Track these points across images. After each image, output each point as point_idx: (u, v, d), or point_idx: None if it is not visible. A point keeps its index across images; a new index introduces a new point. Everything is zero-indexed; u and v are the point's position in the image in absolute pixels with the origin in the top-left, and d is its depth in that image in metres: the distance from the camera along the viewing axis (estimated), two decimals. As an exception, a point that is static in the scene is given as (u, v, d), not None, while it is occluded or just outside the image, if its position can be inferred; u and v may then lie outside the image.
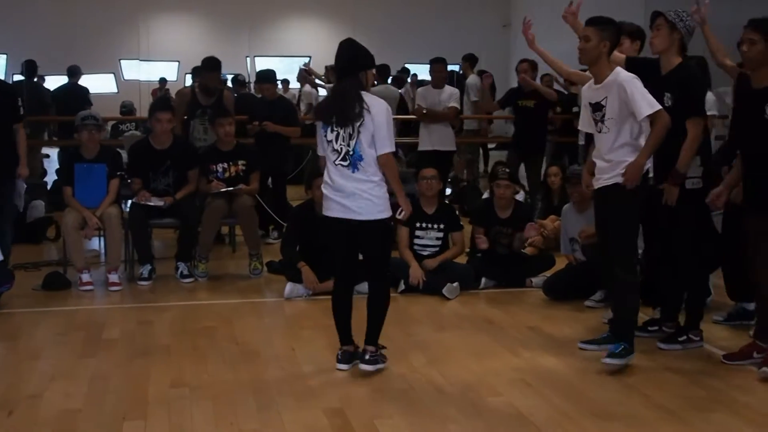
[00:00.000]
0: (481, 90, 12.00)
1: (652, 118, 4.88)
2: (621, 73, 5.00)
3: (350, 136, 4.75)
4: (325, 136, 4.82)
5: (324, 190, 4.90)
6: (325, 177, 4.89)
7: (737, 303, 5.99)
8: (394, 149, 4.81)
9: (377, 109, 4.73)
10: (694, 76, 5.21)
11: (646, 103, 4.87)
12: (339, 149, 4.78)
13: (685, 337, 5.41)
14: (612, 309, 5.46)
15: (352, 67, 4.81)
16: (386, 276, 5.09)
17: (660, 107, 4.89)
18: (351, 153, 4.76)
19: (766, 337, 4.98)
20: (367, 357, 4.91)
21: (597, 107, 5.06)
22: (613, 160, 5.01)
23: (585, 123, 5.27)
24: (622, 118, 4.95)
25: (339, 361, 5.01)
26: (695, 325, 5.47)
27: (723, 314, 6.02)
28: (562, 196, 8.38)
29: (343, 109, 4.74)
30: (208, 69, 8.55)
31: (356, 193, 4.78)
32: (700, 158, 5.20)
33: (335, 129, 4.77)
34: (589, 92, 5.18)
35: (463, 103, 11.44)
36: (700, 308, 5.56)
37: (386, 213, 4.85)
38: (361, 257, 5.03)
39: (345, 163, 4.78)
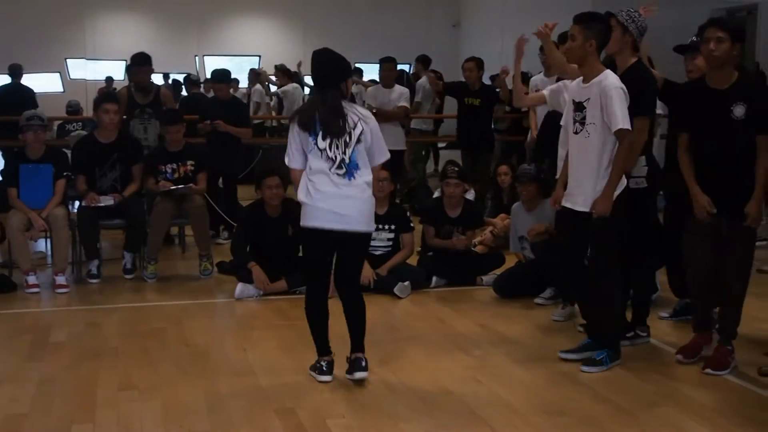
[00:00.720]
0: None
1: (620, 135, 4.79)
2: (609, 77, 4.90)
3: (346, 144, 4.62)
4: (316, 144, 4.61)
5: (306, 200, 4.66)
6: (309, 187, 4.65)
7: (682, 299, 6.09)
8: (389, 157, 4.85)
9: (373, 121, 4.72)
10: (644, 77, 5.18)
11: (621, 117, 4.77)
12: (333, 157, 4.61)
13: (632, 333, 5.49)
14: (583, 315, 5.43)
15: (335, 77, 4.69)
16: (359, 282, 5.04)
17: (629, 127, 4.78)
18: (347, 161, 4.63)
19: (728, 338, 5.03)
20: (363, 364, 4.75)
21: (579, 107, 4.96)
22: (583, 177, 4.92)
23: (564, 120, 5.17)
24: (604, 127, 4.84)
25: (323, 373, 4.80)
26: (642, 321, 5.55)
27: (669, 310, 6.13)
28: (511, 194, 8.44)
29: (338, 121, 4.61)
30: (137, 64, 8.47)
31: (352, 202, 4.64)
32: (645, 158, 5.26)
33: (327, 137, 4.61)
34: (575, 89, 5.07)
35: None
36: (646, 304, 5.64)
37: (374, 226, 4.83)
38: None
39: (341, 172, 4.63)
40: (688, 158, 5.00)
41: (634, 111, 4.99)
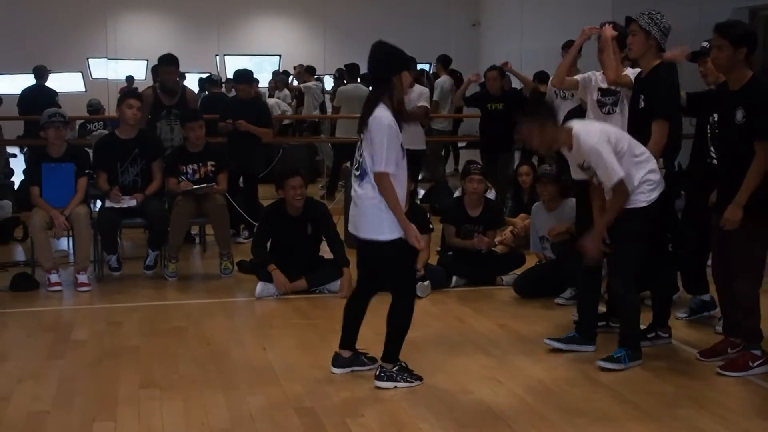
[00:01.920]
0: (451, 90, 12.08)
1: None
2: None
3: (359, 146, 4.60)
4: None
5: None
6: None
7: (695, 296, 6.07)
8: (389, 170, 4.45)
9: (376, 125, 4.46)
10: (664, 79, 5.18)
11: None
12: (357, 157, 4.62)
13: (653, 334, 5.47)
14: (578, 308, 5.52)
15: (381, 72, 4.57)
16: (408, 293, 4.77)
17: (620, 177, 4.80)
18: (361, 163, 4.57)
19: (750, 341, 4.99)
20: (378, 372, 4.70)
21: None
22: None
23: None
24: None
25: (332, 364, 4.91)
26: (663, 321, 5.53)
27: (685, 310, 6.09)
28: (532, 194, 8.42)
29: (362, 117, 4.57)
30: (164, 64, 8.48)
31: (359, 206, 4.59)
32: (663, 160, 5.24)
33: (360, 137, 4.58)
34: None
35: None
36: (667, 305, 5.62)
37: (389, 234, 4.53)
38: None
39: (357, 173, 4.61)
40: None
41: (652, 113, 4.99)
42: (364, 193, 4.55)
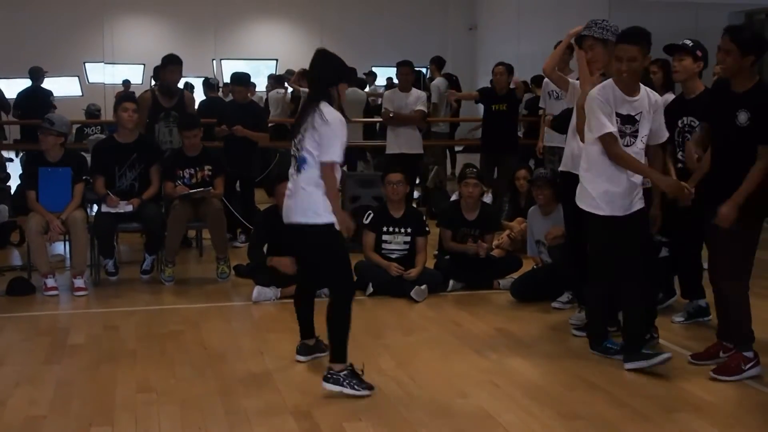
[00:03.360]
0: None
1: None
2: (651, 92, 5.04)
3: (300, 141, 4.68)
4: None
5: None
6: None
7: (691, 301, 6.08)
8: (339, 161, 4.62)
9: (331, 118, 4.59)
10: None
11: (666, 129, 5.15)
12: (295, 153, 4.74)
13: (648, 335, 5.49)
14: (586, 314, 5.54)
15: (321, 82, 4.76)
16: (344, 289, 4.73)
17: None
18: (297, 156, 4.69)
19: (739, 343, 4.99)
20: (325, 373, 4.62)
21: (629, 120, 4.93)
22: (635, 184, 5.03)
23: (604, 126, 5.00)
24: (643, 138, 5.00)
25: (297, 352, 5.16)
26: (650, 322, 5.54)
27: (682, 314, 6.10)
28: (529, 198, 8.43)
29: (299, 122, 4.73)
30: (170, 63, 8.47)
31: (297, 192, 4.68)
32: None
33: (299, 135, 4.71)
34: (620, 103, 4.93)
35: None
36: (654, 307, 5.62)
37: (325, 218, 4.62)
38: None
39: (294, 169, 4.73)
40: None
41: None
42: (305, 181, 4.64)
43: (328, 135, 4.59)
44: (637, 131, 4.94)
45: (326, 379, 4.58)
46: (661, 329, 5.66)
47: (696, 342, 5.52)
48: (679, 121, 5.64)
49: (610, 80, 5.00)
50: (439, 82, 13.09)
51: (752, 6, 13.71)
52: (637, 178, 5.00)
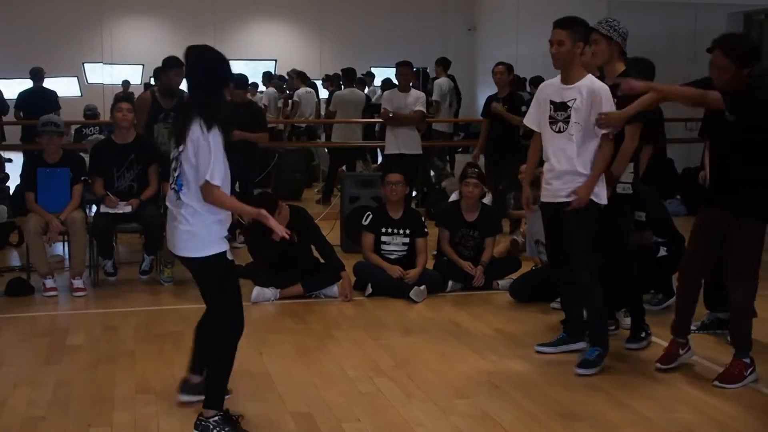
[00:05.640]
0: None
1: (604, 137, 4.98)
2: (596, 81, 5.05)
3: (178, 157, 4.05)
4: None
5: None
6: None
7: (711, 312, 5.94)
8: (216, 182, 3.96)
9: (203, 136, 3.94)
10: None
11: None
12: (173, 172, 4.11)
13: (644, 333, 5.50)
14: (563, 307, 5.59)
15: (206, 83, 4.06)
16: (228, 326, 4.15)
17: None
18: (178, 176, 4.05)
19: (740, 349, 4.96)
20: (196, 420, 4.07)
21: (561, 107, 5.06)
22: (565, 172, 5.03)
23: (532, 119, 5.30)
24: (588, 128, 4.98)
25: (179, 389, 4.50)
26: (611, 315, 5.60)
27: (696, 323, 6.02)
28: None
29: (181, 129, 4.04)
30: (172, 66, 8.44)
31: (177, 222, 4.05)
32: (633, 164, 5.30)
33: (178, 150, 4.07)
34: (550, 90, 5.17)
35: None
36: (639, 305, 5.62)
37: (212, 249, 4.03)
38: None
39: (174, 187, 4.08)
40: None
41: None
42: (185, 207, 4.02)
43: (203, 153, 3.94)
44: (569, 117, 5.01)
45: (195, 426, 4.06)
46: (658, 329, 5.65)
47: (702, 347, 5.52)
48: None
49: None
50: (442, 81, 13.10)
51: (751, 7, 13.71)
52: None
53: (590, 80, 5.04)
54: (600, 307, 5.19)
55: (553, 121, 5.10)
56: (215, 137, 3.97)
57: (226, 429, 4.03)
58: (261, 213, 4.08)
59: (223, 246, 4.06)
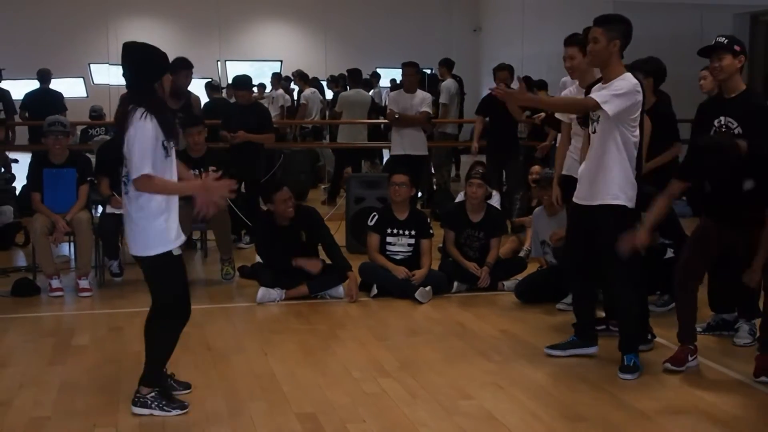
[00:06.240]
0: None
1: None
2: (627, 77, 4.89)
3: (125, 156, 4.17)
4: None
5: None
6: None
7: (717, 314, 5.93)
8: (147, 171, 4.05)
9: (131, 130, 4.08)
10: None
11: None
12: (123, 174, 4.26)
13: (604, 326, 5.54)
14: (574, 311, 5.51)
15: (140, 79, 4.18)
16: (174, 312, 4.40)
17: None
18: (126, 175, 4.21)
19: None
20: (133, 396, 4.37)
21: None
22: (600, 172, 4.93)
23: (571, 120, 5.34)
24: (619, 127, 4.86)
25: (133, 404, 4.46)
26: (613, 315, 5.56)
27: (702, 324, 6.00)
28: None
29: (118, 127, 4.21)
30: (183, 67, 8.47)
31: (129, 222, 4.25)
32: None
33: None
34: (594, 91, 5.05)
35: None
36: (643, 306, 5.61)
37: (158, 248, 4.22)
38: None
39: (125, 188, 4.25)
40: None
41: None
42: (132, 204, 4.21)
43: (135, 149, 4.07)
44: (600, 117, 4.91)
45: (134, 403, 4.35)
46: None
47: (707, 348, 5.51)
48: (716, 121, 5.23)
49: None
50: (449, 83, 13.09)
51: (757, 7, 13.68)
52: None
53: (623, 77, 4.88)
54: (637, 314, 5.15)
55: (590, 121, 5.00)
56: (144, 128, 4.07)
57: (163, 402, 4.35)
58: (204, 184, 4.25)
59: (168, 245, 4.25)
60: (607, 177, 4.90)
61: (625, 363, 5.02)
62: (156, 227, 4.21)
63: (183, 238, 4.41)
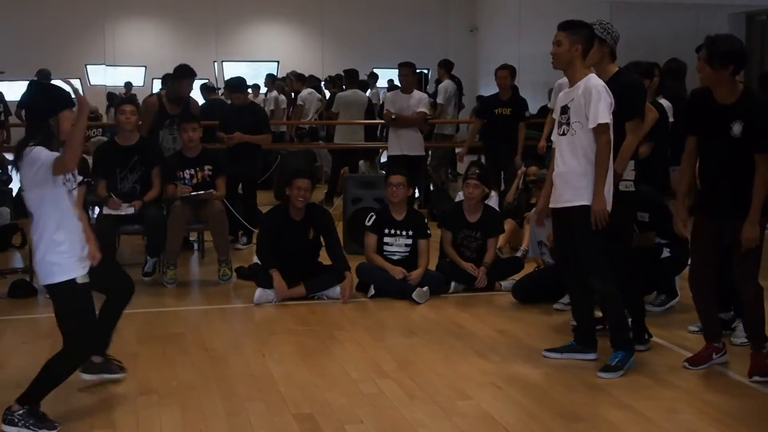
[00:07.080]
0: None
1: (598, 131, 4.91)
2: (592, 78, 5.03)
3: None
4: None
5: None
6: None
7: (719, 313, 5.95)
8: (51, 160, 4.10)
9: (30, 158, 4.13)
10: (631, 81, 5.31)
11: (600, 113, 4.88)
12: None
13: (601, 327, 5.50)
14: (574, 316, 5.52)
15: (38, 114, 4.27)
16: (75, 349, 4.40)
17: (608, 121, 4.90)
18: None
19: (756, 343, 4.99)
20: (3, 413, 4.21)
21: (564, 110, 5.10)
22: (570, 172, 5.00)
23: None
24: (582, 124, 4.97)
25: (81, 371, 4.67)
26: (642, 322, 5.55)
27: (699, 324, 6.01)
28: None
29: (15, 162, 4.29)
30: (186, 76, 8.46)
31: (34, 248, 4.31)
32: (633, 162, 5.28)
33: None
34: (563, 95, 5.22)
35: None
36: (640, 306, 5.61)
37: (60, 276, 4.24)
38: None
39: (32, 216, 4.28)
40: (689, 165, 5.09)
41: (624, 114, 5.08)
42: (35, 234, 4.26)
43: (35, 174, 4.14)
44: (569, 119, 5.03)
45: (3, 420, 4.21)
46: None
47: (695, 343, 5.52)
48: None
49: None
50: (447, 84, 13.10)
51: (753, 7, 13.69)
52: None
53: (588, 78, 5.02)
54: (620, 311, 5.15)
55: (559, 124, 5.12)
56: (35, 152, 4.13)
57: (30, 422, 4.18)
58: (80, 99, 4.18)
59: (71, 273, 4.26)
60: (579, 178, 4.98)
61: (608, 361, 5.04)
62: (59, 254, 4.23)
63: (87, 265, 4.38)
